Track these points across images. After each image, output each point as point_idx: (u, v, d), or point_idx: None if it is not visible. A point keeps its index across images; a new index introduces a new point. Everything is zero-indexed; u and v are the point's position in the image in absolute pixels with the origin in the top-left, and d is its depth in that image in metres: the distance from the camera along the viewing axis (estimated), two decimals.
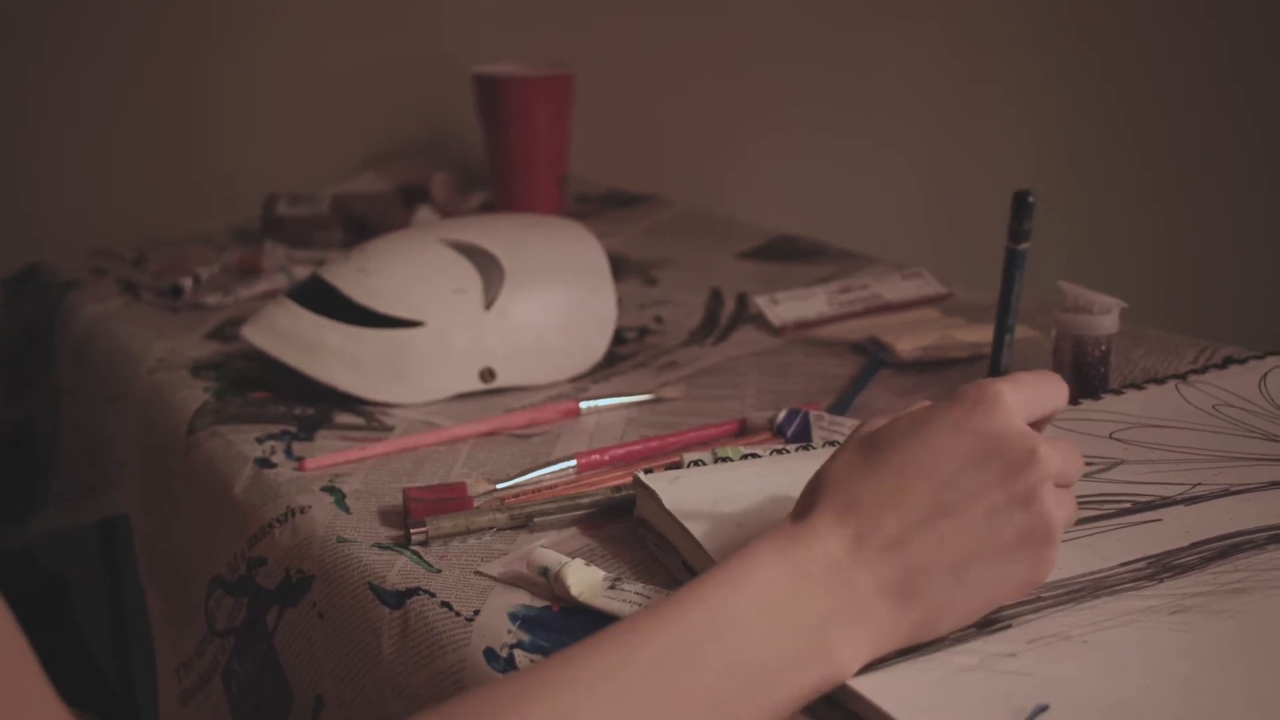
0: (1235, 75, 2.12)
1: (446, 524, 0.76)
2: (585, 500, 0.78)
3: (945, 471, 0.58)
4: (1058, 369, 0.91)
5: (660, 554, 0.72)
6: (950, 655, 0.59)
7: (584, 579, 0.68)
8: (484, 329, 0.98)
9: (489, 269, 0.99)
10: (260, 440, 0.91)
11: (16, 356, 1.39)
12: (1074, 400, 0.86)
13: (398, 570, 0.73)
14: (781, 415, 0.88)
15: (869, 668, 0.57)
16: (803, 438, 0.87)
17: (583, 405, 0.94)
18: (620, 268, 1.21)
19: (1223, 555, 0.66)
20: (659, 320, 1.15)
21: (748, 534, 0.69)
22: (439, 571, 0.73)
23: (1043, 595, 0.63)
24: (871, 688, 0.56)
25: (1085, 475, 0.76)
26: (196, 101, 1.61)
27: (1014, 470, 0.58)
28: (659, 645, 0.54)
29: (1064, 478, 0.60)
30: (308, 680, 0.76)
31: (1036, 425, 0.62)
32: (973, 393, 0.60)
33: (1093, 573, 0.65)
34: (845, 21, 1.91)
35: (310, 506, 0.81)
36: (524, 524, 0.77)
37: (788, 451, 0.79)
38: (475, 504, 0.80)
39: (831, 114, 1.92)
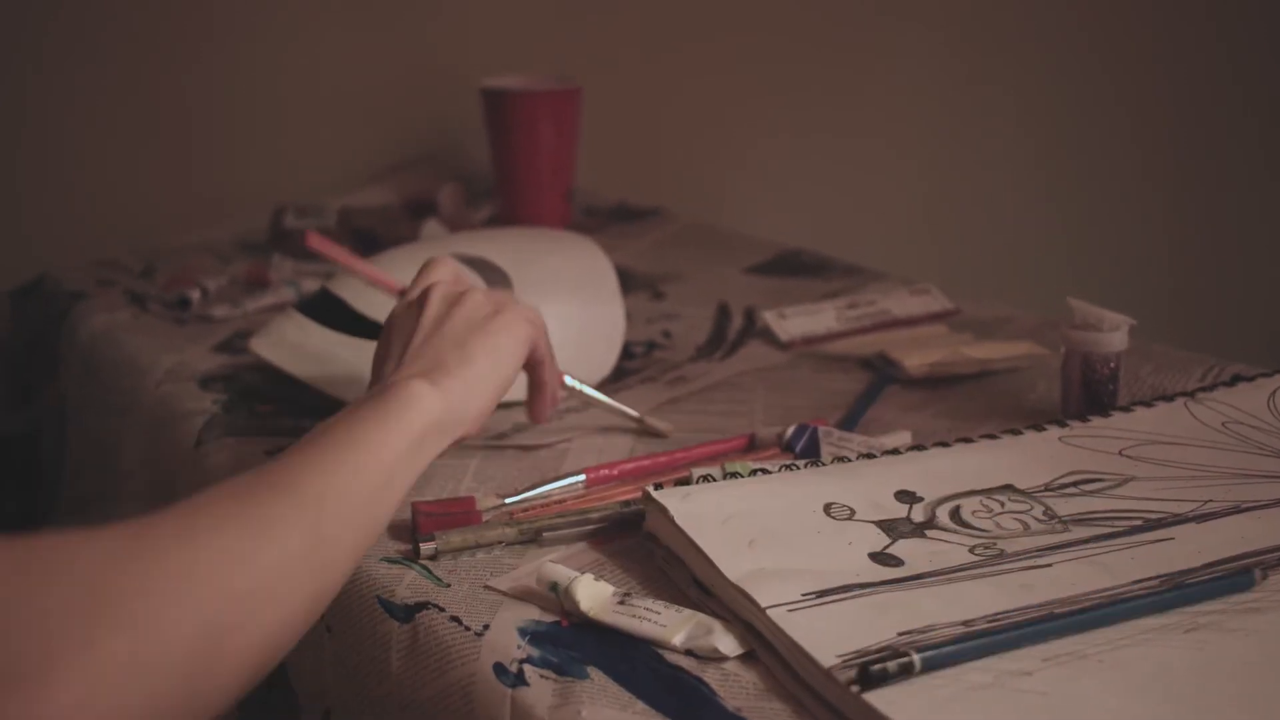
0: (1243, 86, 2.12)
1: (456, 538, 0.76)
2: (594, 515, 0.78)
3: (406, 326, 0.80)
4: (1067, 385, 0.91)
5: (669, 569, 0.72)
6: (964, 672, 0.59)
7: (594, 594, 0.68)
8: None
9: (497, 283, 0.99)
10: (269, 453, 0.91)
11: (22, 367, 1.39)
12: (1083, 417, 0.86)
13: (407, 584, 0.73)
14: (790, 431, 0.88)
15: (878, 682, 0.57)
16: (811, 453, 0.87)
17: (567, 380, 0.93)
18: (628, 282, 1.21)
19: (1235, 575, 0.66)
20: (667, 335, 1.15)
21: (759, 550, 0.69)
22: (448, 586, 0.73)
23: (1056, 612, 0.63)
24: (886, 704, 0.56)
25: (1097, 491, 0.76)
26: (204, 113, 1.61)
27: (480, 296, 0.81)
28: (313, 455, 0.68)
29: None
30: (316, 694, 0.76)
31: None
32: (432, 290, 0.81)
33: (1105, 590, 0.65)
34: (850, 36, 1.91)
35: None
36: (533, 538, 0.77)
37: (797, 467, 0.79)
38: (484, 518, 0.79)
39: (838, 127, 1.93)
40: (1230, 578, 0.66)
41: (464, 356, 0.77)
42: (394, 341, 0.80)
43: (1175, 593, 0.64)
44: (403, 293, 0.85)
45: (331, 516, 0.64)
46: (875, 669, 0.57)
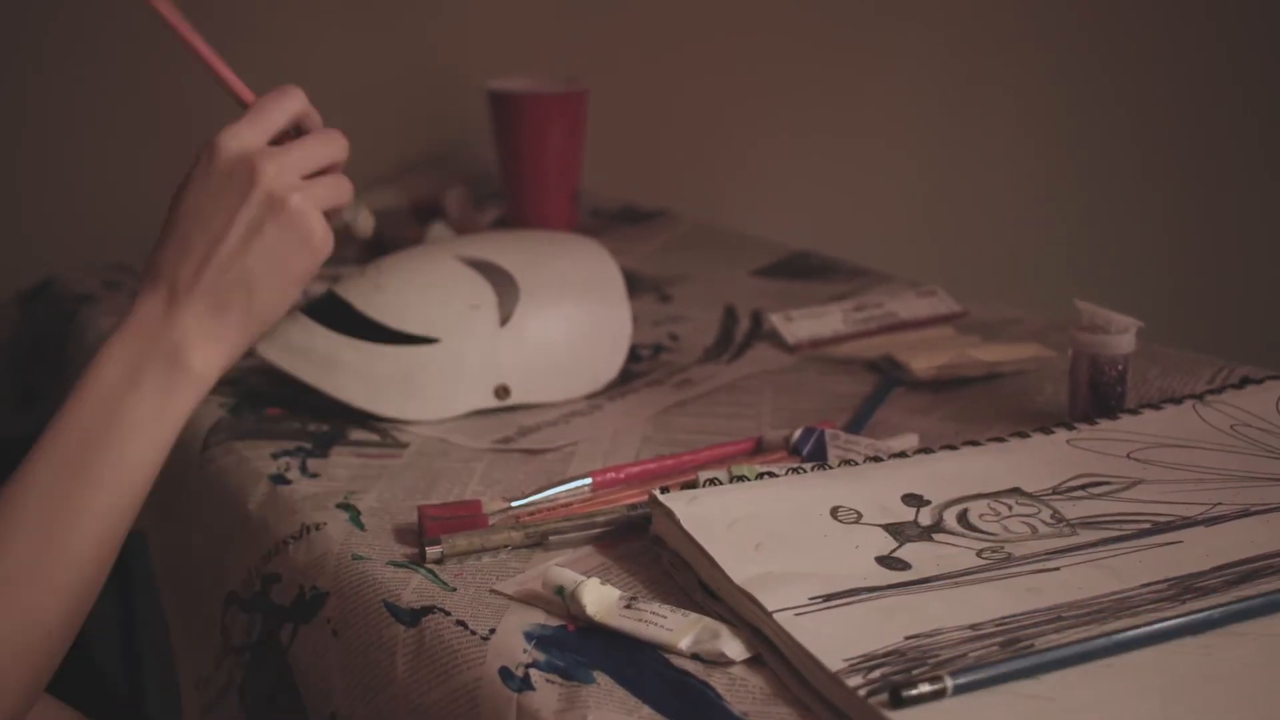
0: (1245, 85, 2.12)
1: (462, 542, 0.76)
2: (601, 518, 0.78)
3: (203, 213, 0.73)
4: (1074, 388, 0.91)
5: (676, 573, 0.72)
6: None
7: (600, 598, 0.68)
8: (499, 346, 0.98)
9: (504, 285, 0.99)
10: (275, 456, 0.91)
11: (28, 369, 1.39)
12: (1091, 420, 0.86)
13: (413, 588, 0.73)
14: (797, 434, 0.88)
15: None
16: (818, 456, 0.86)
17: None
18: (634, 284, 1.21)
19: (1245, 579, 0.66)
20: (674, 337, 1.15)
21: (765, 553, 0.69)
22: (454, 590, 0.72)
23: (1064, 615, 0.63)
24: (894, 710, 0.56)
25: (1104, 495, 0.76)
26: (210, 114, 1.61)
27: (245, 189, 0.73)
28: (65, 443, 0.71)
29: (305, 166, 0.75)
30: (322, 697, 0.76)
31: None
32: (200, 150, 0.75)
33: (1114, 593, 0.65)
34: (854, 37, 1.91)
35: (325, 523, 0.81)
36: (539, 542, 0.77)
37: (804, 470, 0.79)
38: (490, 522, 0.79)
39: (843, 128, 1.92)
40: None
41: (250, 303, 0.74)
42: (195, 232, 0.74)
43: (1218, 611, 0.63)
44: (245, 104, 0.80)
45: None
46: (906, 693, 0.56)
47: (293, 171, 0.74)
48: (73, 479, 0.70)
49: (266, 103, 0.76)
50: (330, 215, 0.77)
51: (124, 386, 0.72)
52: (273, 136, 0.76)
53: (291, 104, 0.77)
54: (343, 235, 0.80)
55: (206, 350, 0.74)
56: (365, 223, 0.84)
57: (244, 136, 0.75)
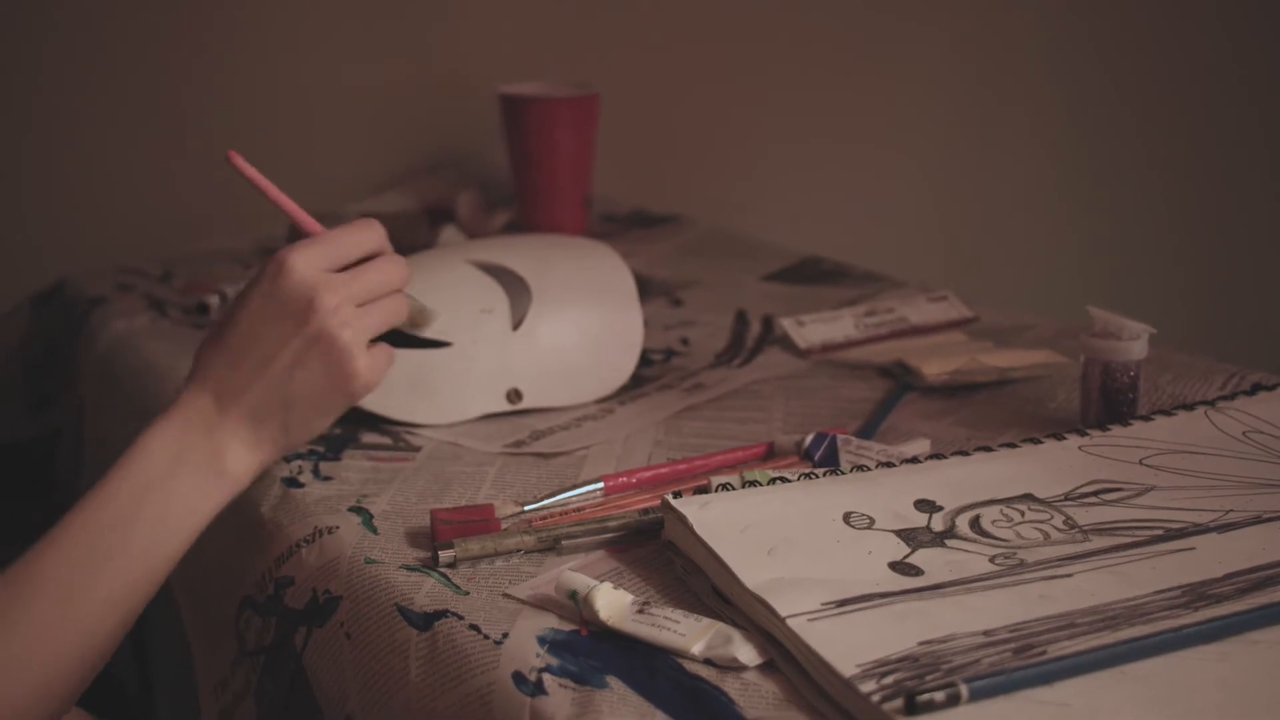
0: (1260, 92, 2.12)
1: (474, 546, 0.76)
2: (613, 523, 0.78)
3: (258, 332, 0.75)
4: (1086, 394, 0.91)
5: (688, 578, 0.72)
6: None
7: (613, 603, 0.68)
8: (511, 349, 0.98)
9: (516, 289, 0.99)
10: (287, 459, 0.91)
11: (41, 371, 1.40)
12: (1103, 426, 0.86)
13: (426, 592, 0.73)
14: (809, 439, 0.88)
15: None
16: (830, 462, 0.86)
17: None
18: (645, 288, 1.21)
19: (1258, 586, 0.66)
20: (685, 342, 1.15)
21: (778, 559, 0.69)
22: (467, 594, 0.73)
23: (1077, 622, 0.63)
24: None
25: (1117, 501, 0.76)
26: (222, 118, 1.62)
27: (301, 320, 0.74)
28: (98, 518, 0.74)
29: (364, 296, 0.77)
30: (336, 701, 0.76)
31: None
32: (269, 263, 0.76)
33: (1126, 600, 0.65)
34: (866, 43, 1.91)
35: (338, 527, 0.81)
36: (551, 546, 0.77)
37: (816, 476, 0.79)
38: (503, 526, 0.79)
39: (853, 134, 1.92)
40: None
41: (286, 426, 0.77)
42: (249, 348, 0.76)
43: (1233, 618, 0.63)
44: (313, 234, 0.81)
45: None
46: (921, 699, 0.56)
47: (350, 303, 0.76)
48: (101, 549, 0.73)
49: (343, 233, 0.78)
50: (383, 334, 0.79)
51: (164, 475, 0.74)
52: (339, 265, 0.77)
53: (367, 240, 0.79)
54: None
55: (242, 456, 0.76)
56: (422, 317, 0.86)
57: (314, 262, 0.76)
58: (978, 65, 1.96)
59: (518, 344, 0.98)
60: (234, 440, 0.76)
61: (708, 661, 0.65)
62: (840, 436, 0.88)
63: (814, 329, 1.13)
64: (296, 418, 0.76)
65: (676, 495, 0.75)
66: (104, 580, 0.73)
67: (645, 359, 1.07)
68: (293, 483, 0.88)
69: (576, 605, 0.68)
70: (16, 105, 1.54)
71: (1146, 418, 0.87)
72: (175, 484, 0.74)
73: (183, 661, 0.97)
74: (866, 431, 0.93)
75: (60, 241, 1.57)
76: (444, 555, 0.76)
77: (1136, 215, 2.09)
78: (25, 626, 0.71)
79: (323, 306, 0.75)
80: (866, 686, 0.58)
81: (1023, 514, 0.75)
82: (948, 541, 0.72)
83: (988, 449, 0.83)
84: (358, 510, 0.83)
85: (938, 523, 0.74)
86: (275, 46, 1.62)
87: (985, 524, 0.74)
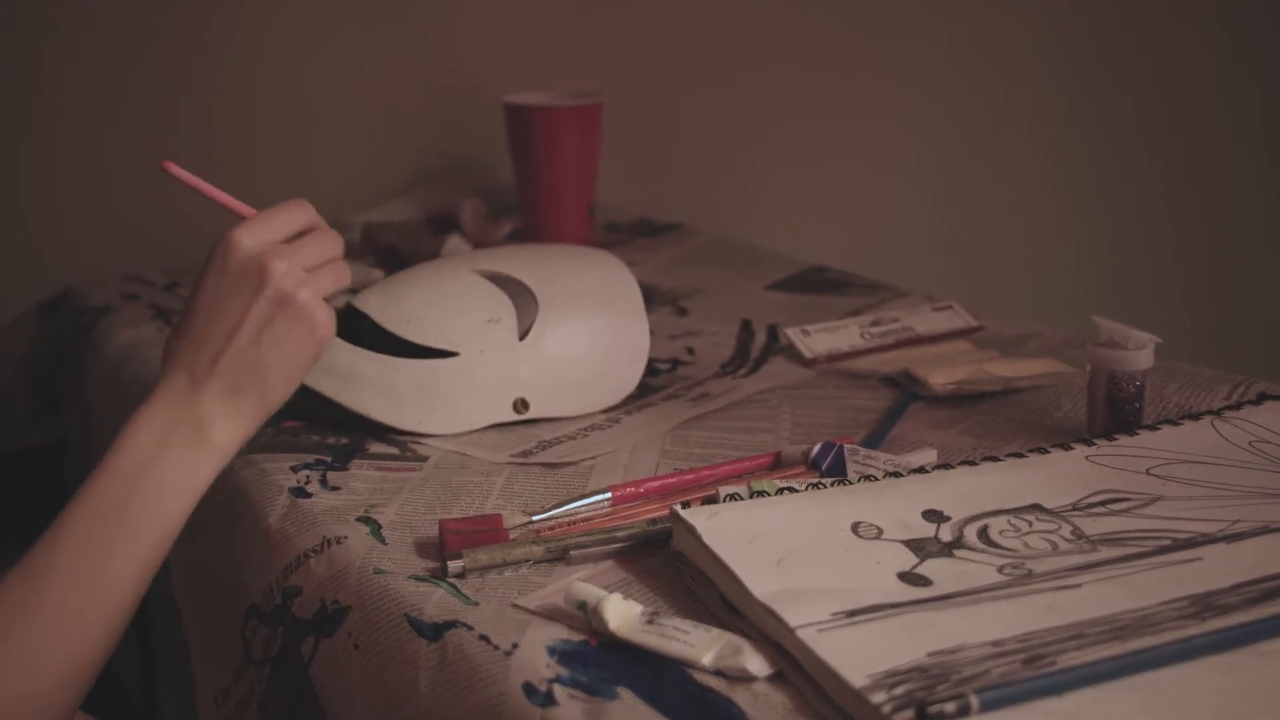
0: (1268, 99, 2.12)
1: (483, 556, 0.76)
2: (621, 533, 0.78)
3: (218, 307, 0.80)
4: (1092, 404, 0.91)
5: (697, 588, 0.72)
6: None
7: (622, 613, 0.68)
8: (518, 359, 0.98)
9: (522, 299, 1.00)
10: (295, 469, 0.91)
11: (47, 379, 1.40)
12: (1110, 436, 0.86)
13: (435, 602, 0.73)
14: (816, 449, 0.88)
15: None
16: (837, 471, 0.87)
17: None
18: (650, 297, 1.21)
19: (1266, 597, 0.66)
20: (690, 351, 1.15)
21: (787, 569, 0.69)
22: (476, 604, 0.73)
23: (1085, 632, 0.63)
24: None
25: (1125, 511, 0.76)
26: (227, 127, 1.62)
27: (256, 286, 0.80)
28: (99, 499, 0.77)
29: (310, 262, 0.82)
30: (344, 711, 0.76)
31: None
32: (216, 245, 0.81)
33: (1134, 611, 0.65)
34: (871, 52, 1.91)
35: (346, 537, 0.81)
36: (560, 556, 0.77)
37: (824, 485, 0.79)
38: (511, 536, 0.80)
39: (858, 142, 1.93)
40: None
41: (264, 387, 0.81)
42: (211, 325, 0.80)
43: (1242, 629, 0.63)
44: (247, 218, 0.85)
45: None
46: (932, 709, 0.57)
47: (299, 267, 0.81)
48: (107, 530, 0.76)
49: (279, 209, 0.83)
50: (331, 298, 0.84)
51: (155, 451, 0.78)
52: (281, 239, 0.82)
53: (301, 215, 0.84)
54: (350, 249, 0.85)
55: (226, 426, 0.80)
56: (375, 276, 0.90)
57: (257, 235, 0.81)
58: (979, 66, 1.97)
59: (524, 354, 0.98)
60: (215, 414, 0.80)
61: (718, 672, 0.65)
62: (847, 446, 0.88)
63: (819, 338, 1.13)
64: (273, 379, 0.81)
65: (685, 505, 0.75)
66: (115, 560, 0.76)
67: (651, 368, 1.07)
68: (300, 493, 0.88)
69: (586, 616, 0.68)
70: (18, 112, 1.54)
71: (1153, 427, 0.87)
72: (166, 459, 0.78)
73: (188, 672, 0.97)
74: (873, 441, 0.93)
75: (65, 249, 1.57)
76: (453, 565, 0.76)
77: (1142, 225, 2.09)
78: (46, 615, 0.74)
79: (275, 270, 0.80)
80: (877, 697, 0.58)
81: (1030, 524, 0.75)
82: (956, 552, 0.72)
83: (995, 459, 0.83)
84: (366, 520, 0.83)
85: (946, 533, 0.74)
86: (279, 58, 1.63)
87: (993, 534, 0.74)
